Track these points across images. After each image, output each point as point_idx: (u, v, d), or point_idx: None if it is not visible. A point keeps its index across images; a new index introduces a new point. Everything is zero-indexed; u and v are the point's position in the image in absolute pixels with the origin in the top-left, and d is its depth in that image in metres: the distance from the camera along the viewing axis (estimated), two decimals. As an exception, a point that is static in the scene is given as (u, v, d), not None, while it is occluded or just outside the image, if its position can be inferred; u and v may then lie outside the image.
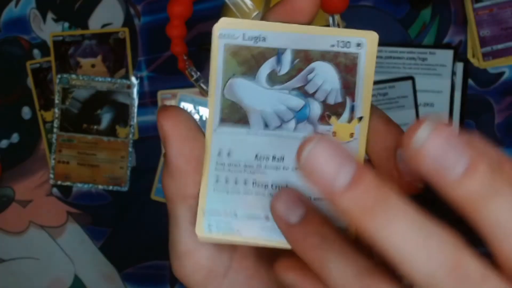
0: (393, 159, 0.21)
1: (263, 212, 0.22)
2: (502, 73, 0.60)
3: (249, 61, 0.22)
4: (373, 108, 0.22)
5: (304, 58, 0.22)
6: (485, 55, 0.60)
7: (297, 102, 0.22)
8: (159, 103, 0.62)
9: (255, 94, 0.22)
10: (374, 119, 0.22)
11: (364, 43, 0.22)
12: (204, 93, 0.46)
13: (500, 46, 0.60)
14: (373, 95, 0.27)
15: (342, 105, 0.22)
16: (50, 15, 0.63)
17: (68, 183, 0.62)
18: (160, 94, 0.62)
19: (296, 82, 0.22)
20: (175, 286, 0.63)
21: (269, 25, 0.22)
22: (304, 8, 0.22)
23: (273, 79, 0.22)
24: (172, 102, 0.62)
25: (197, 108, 0.61)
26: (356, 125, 0.22)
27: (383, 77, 0.60)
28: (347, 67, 0.22)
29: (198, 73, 0.46)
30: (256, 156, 0.22)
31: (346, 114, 0.22)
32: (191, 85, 0.61)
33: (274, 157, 0.22)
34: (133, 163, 0.63)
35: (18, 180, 0.64)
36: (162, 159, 0.62)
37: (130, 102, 0.62)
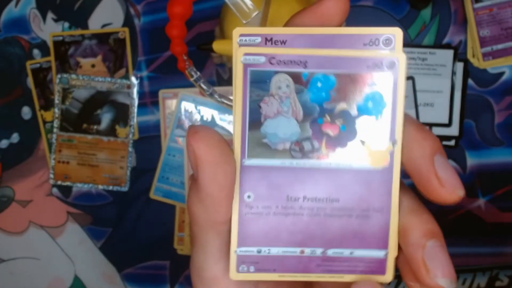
0: (432, 167, 0.20)
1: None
2: (502, 73, 0.60)
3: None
4: (405, 116, 0.21)
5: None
6: (485, 55, 0.60)
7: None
8: (160, 102, 0.62)
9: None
10: (407, 126, 0.21)
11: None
12: (204, 93, 0.46)
13: (500, 46, 0.60)
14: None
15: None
16: (50, 15, 0.63)
17: (68, 183, 0.62)
18: (162, 93, 0.62)
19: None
20: (175, 286, 0.63)
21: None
22: (335, 14, 0.21)
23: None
24: (174, 101, 0.62)
25: (198, 108, 0.61)
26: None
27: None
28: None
29: (198, 73, 0.46)
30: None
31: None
32: (191, 85, 0.61)
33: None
34: (133, 163, 0.63)
35: (18, 180, 0.64)
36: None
37: (130, 102, 0.62)
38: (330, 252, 0.22)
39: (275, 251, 0.22)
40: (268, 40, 0.21)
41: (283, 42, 0.21)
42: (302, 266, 0.22)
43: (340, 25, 0.21)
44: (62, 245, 0.64)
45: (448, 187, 0.20)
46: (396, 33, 0.21)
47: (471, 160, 0.61)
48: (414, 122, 0.21)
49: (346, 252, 0.22)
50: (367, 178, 0.21)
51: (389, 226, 0.21)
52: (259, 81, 0.21)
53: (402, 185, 0.22)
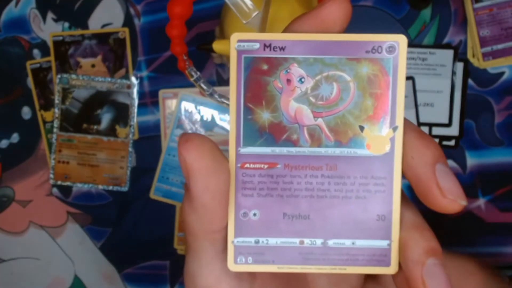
0: (433, 176, 0.20)
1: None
2: (502, 73, 0.60)
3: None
4: (406, 122, 0.21)
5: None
6: (485, 55, 0.60)
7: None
8: (160, 102, 0.62)
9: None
10: (408, 133, 0.21)
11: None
12: (204, 93, 0.46)
13: (500, 46, 0.60)
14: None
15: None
16: (50, 15, 0.63)
17: (68, 183, 0.62)
18: (162, 93, 0.62)
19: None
20: (175, 286, 0.63)
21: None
22: (337, 19, 0.21)
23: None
24: (174, 101, 0.62)
25: (198, 108, 0.61)
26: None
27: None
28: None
29: (198, 73, 0.46)
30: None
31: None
32: (191, 85, 0.61)
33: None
34: (133, 163, 0.63)
35: (18, 180, 0.64)
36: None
37: (130, 102, 0.62)
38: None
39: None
40: (267, 46, 0.21)
41: (282, 49, 0.21)
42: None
43: (342, 31, 0.21)
44: (62, 245, 0.64)
45: (449, 197, 0.20)
46: (399, 40, 0.21)
47: (471, 160, 0.61)
48: (415, 129, 0.21)
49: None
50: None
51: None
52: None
53: (404, 198, 0.22)
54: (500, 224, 0.61)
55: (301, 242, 0.21)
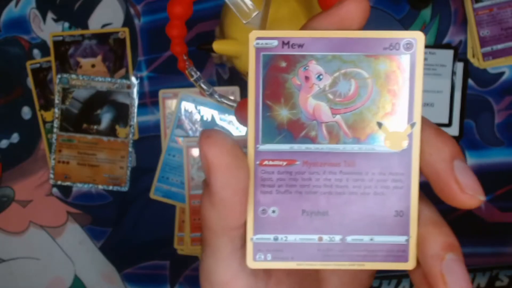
0: (451, 171, 0.20)
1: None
2: (502, 73, 0.60)
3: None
4: (423, 119, 0.21)
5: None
6: (485, 55, 0.60)
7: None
8: (160, 102, 0.62)
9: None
10: (426, 130, 0.21)
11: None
12: (204, 93, 0.46)
13: (500, 46, 0.60)
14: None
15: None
16: (50, 15, 0.63)
17: (68, 183, 0.62)
18: (162, 93, 0.62)
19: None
20: (175, 286, 0.63)
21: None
22: (355, 17, 0.21)
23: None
24: (173, 101, 0.62)
25: (198, 108, 0.61)
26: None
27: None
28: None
29: (198, 73, 0.46)
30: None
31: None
32: (191, 85, 0.61)
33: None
34: (133, 163, 0.63)
35: (18, 180, 0.64)
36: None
37: (130, 102, 0.62)
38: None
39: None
40: (285, 44, 0.21)
41: (301, 46, 0.21)
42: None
43: (360, 29, 0.21)
44: (62, 245, 0.64)
45: (468, 192, 0.20)
46: (417, 37, 0.21)
47: (471, 160, 0.61)
48: (433, 126, 0.21)
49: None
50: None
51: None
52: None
53: (422, 195, 0.22)
54: (500, 224, 0.61)
55: (320, 239, 0.21)
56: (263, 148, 0.21)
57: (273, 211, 0.22)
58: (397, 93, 0.21)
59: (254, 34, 0.21)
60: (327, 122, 0.21)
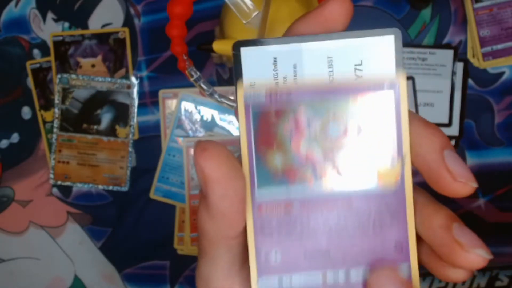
0: (442, 161, 0.21)
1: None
2: (502, 73, 0.60)
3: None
4: (411, 113, 0.22)
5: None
6: (485, 55, 0.60)
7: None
8: (160, 102, 0.62)
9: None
10: (414, 123, 0.21)
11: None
12: (204, 93, 0.46)
13: (500, 46, 0.60)
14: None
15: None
16: (50, 15, 0.63)
17: (68, 183, 0.62)
18: (162, 93, 0.62)
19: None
20: (175, 286, 0.63)
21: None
22: (339, 17, 0.21)
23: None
24: (173, 101, 0.62)
25: (198, 108, 0.61)
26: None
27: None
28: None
29: (198, 73, 0.46)
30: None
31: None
32: (191, 85, 0.61)
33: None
34: (133, 163, 0.63)
35: (18, 180, 0.64)
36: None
37: (130, 102, 0.62)
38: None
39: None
40: (273, 95, 0.22)
41: (289, 94, 0.22)
42: None
43: (344, 29, 0.21)
44: (62, 245, 0.64)
45: (460, 180, 0.20)
46: (399, 76, 0.21)
47: (471, 160, 0.61)
48: (421, 119, 0.22)
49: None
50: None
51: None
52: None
53: (416, 188, 0.22)
54: (500, 224, 0.61)
55: (324, 275, 0.22)
56: (260, 194, 0.22)
57: (276, 253, 0.22)
58: (385, 130, 0.21)
59: (241, 90, 0.22)
60: (320, 165, 0.22)
